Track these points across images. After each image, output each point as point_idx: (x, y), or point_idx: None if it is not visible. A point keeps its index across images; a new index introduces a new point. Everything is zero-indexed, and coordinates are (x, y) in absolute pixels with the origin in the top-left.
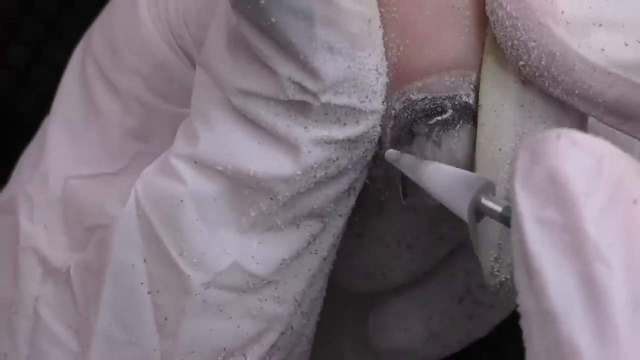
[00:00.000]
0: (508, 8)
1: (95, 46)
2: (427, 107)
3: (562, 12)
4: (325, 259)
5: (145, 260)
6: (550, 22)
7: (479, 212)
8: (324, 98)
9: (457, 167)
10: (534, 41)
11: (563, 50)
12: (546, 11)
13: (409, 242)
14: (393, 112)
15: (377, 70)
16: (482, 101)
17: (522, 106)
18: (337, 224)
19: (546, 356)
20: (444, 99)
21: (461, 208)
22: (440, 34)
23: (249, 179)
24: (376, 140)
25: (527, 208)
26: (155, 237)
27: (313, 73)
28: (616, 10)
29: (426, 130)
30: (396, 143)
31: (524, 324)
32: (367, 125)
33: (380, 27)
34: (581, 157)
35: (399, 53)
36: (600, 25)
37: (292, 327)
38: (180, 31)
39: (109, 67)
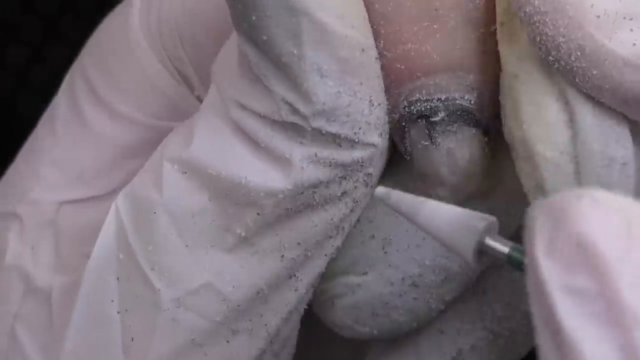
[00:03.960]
0: (536, 3)
1: (86, 65)
2: (421, 108)
3: (592, 5)
4: (303, 297)
5: (118, 278)
6: (580, 17)
7: (482, 253)
8: (315, 123)
9: (456, 169)
10: (563, 36)
11: (593, 45)
12: (576, 5)
13: (414, 280)
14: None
15: (370, 101)
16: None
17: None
18: (320, 264)
19: None
20: (437, 100)
21: (464, 249)
22: (424, 37)
23: (239, 189)
24: (373, 174)
25: (553, 276)
26: (129, 248)
27: (304, 95)
28: None
29: (422, 131)
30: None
31: None
32: (363, 154)
33: (377, 59)
34: (607, 218)
35: (385, 61)
36: (631, 19)
37: None
38: (176, 52)
39: (101, 86)
